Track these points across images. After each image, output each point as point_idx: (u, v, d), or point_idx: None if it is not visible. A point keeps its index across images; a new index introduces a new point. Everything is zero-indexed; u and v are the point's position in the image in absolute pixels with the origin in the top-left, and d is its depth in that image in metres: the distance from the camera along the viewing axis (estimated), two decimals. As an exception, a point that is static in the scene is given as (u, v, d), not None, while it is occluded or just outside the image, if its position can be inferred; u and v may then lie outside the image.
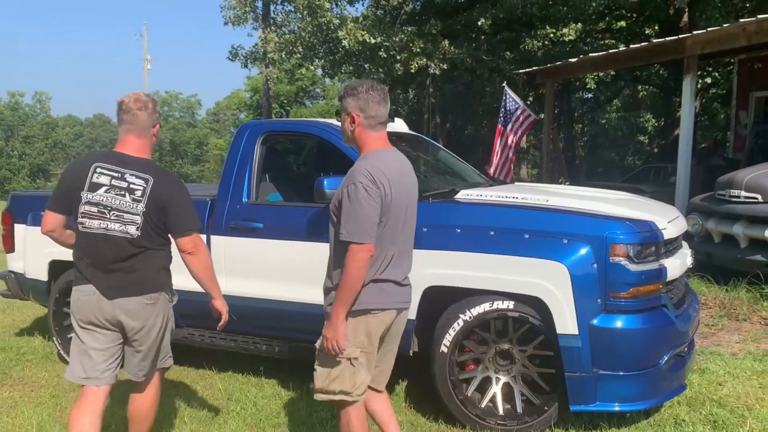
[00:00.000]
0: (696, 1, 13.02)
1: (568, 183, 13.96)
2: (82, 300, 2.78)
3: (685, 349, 3.65)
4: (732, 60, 13.21)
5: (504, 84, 10.37)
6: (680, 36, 8.65)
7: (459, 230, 3.50)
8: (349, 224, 2.43)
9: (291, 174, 5.56)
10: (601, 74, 17.81)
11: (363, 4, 25.76)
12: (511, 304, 3.36)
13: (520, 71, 12.30)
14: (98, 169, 2.77)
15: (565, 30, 14.32)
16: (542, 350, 3.39)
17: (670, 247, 3.67)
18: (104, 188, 2.76)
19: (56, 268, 4.64)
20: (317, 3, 14.22)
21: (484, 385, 3.54)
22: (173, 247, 2.91)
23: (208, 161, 52.46)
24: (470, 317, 3.41)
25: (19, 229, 4.91)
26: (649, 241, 3.35)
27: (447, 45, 14.20)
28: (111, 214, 2.75)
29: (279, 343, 4.09)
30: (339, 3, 16.25)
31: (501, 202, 3.80)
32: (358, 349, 2.58)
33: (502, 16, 13.85)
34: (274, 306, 4.02)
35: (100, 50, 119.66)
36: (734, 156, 11.70)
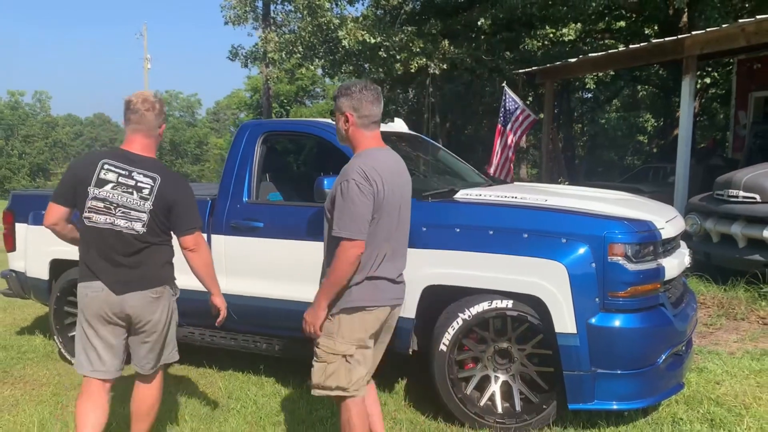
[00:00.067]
0: (695, 2, 13.04)
1: (567, 183, 13.99)
2: (90, 296, 2.83)
3: (683, 347, 3.67)
4: (731, 60, 13.23)
5: (503, 84, 10.39)
6: (679, 36, 8.67)
7: (458, 230, 3.52)
8: (341, 220, 2.49)
9: (291, 173, 5.57)
10: (600, 74, 17.86)
11: (363, 4, 25.83)
12: (509, 303, 3.38)
13: (520, 71, 12.32)
14: (106, 166, 2.83)
15: (564, 30, 14.36)
16: (541, 349, 3.41)
17: (668, 246, 3.69)
18: (111, 185, 2.81)
19: (57, 267, 4.66)
20: (317, 3, 14.24)
21: (483, 384, 3.56)
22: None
23: (207, 161, 52.48)
24: (469, 316, 3.43)
25: (20, 228, 4.92)
26: (647, 241, 3.37)
27: (447, 45, 14.22)
28: (117, 210, 2.81)
29: (279, 342, 4.11)
30: (339, 3, 16.27)
31: (500, 201, 3.82)
32: (353, 346, 2.63)
33: (502, 16, 13.87)
34: (274, 305, 4.04)
35: (100, 50, 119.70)
36: (733, 156, 11.71)
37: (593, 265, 3.24)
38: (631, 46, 10.05)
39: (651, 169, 13.80)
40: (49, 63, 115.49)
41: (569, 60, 11.24)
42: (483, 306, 3.42)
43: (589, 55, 10.95)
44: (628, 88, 25.89)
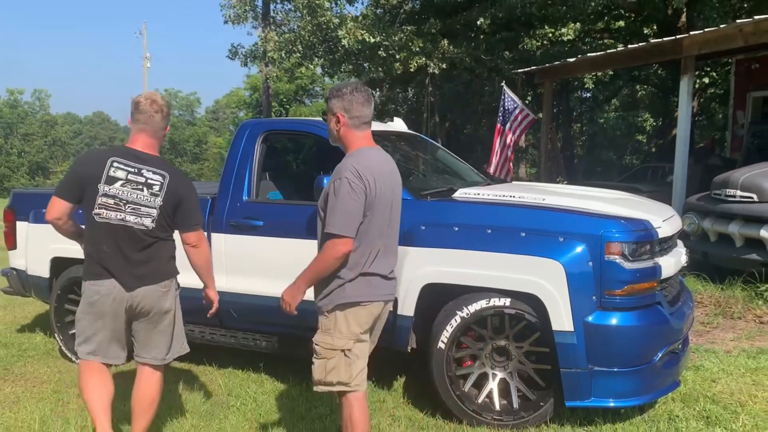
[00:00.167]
0: (694, 2, 13.06)
1: (566, 182, 14.01)
2: (102, 294, 2.91)
3: (680, 346, 3.70)
4: (729, 60, 13.25)
5: (503, 83, 10.42)
6: (678, 36, 8.68)
7: (457, 228, 3.54)
8: (333, 217, 2.56)
9: (291, 172, 5.60)
10: (599, 74, 17.88)
11: (362, 3, 25.82)
12: (507, 302, 3.40)
13: (519, 71, 12.34)
14: (115, 164, 2.90)
15: (563, 30, 14.37)
16: (538, 347, 3.44)
17: (665, 245, 3.72)
18: (120, 182, 2.88)
19: (58, 265, 4.68)
20: (317, 2, 14.25)
21: (480, 381, 3.58)
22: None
23: (207, 159, 52.48)
24: (467, 314, 3.46)
25: (21, 226, 4.94)
26: (644, 240, 3.40)
27: (446, 44, 14.24)
28: (126, 207, 2.89)
29: (279, 340, 4.13)
30: (338, 2, 16.27)
31: (498, 200, 3.85)
32: (351, 341, 2.69)
33: (501, 16, 13.89)
34: (274, 303, 4.03)
35: (100, 48, 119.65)
36: (732, 156, 11.73)
37: (590, 263, 3.26)
38: (629, 46, 10.07)
39: (649, 168, 13.83)
40: (48, 61, 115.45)
41: (568, 60, 11.26)
42: (481, 304, 3.44)
43: (588, 54, 10.97)
44: (627, 88, 25.92)
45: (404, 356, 3.83)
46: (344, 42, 13.51)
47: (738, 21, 7.93)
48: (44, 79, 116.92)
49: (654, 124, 27.80)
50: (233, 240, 4.14)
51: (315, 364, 2.74)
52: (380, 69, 14.83)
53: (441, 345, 3.52)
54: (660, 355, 3.39)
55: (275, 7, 19.63)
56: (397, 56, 13.72)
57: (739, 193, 6.33)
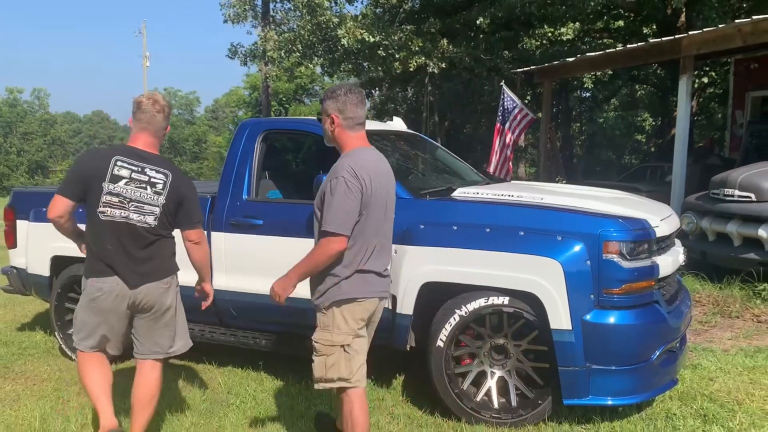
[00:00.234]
0: (693, 2, 13.08)
1: (565, 182, 14.02)
2: (105, 291, 2.95)
3: (677, 344, 3.72)
4: (728, 60, 13.27)
5: (502, 83, 10.43)
6: (676, 36, 8.70)
7: (455, 227, 3.56)
8: (329, 215, 2.62)
9: (290, 171, 5.61)
10: (598, 73, 17.89)
11: (362, 3, 25.76)
12: (506, 300, 3.42)
13: (518, 70, 12.35)
14: (119, 163, 2.94)
15: (563, 29, 14.38)
16: (536, 345, 3.45)
17: (663, 244, 3.73)
18: (124, 181, 2.93)
19: (58, 263, 4.69)
20: (316, 1, 14.25)
21: (479, 379, 3.60)
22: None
23: (206, 158, 52.47)
24: (466, 312, 3.48)
25: (22, 225, 4.95)
26: (642, 239, 3.42)
27: (446, 44, 14.24)
28: (130, 205, 2.93)
29: (279, 339, 4.15)
30: (338, 1, 16.29)
31: (497, 200, 3.87)
32: (350, 336, 2.74)
33: (501, 15, 13.90)
34: (274, 301, 4.07)
35: (99, 47, 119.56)
36: (731, 155, 11.75)
37: (588, 262, 3.28)
38: (628, 46, 10.09)
39: (648, 168, 13.84)
40: (47, 60, 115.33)
41: (567, 59, 11.26)
42: (480, 302, 3.46)
43: (588, 54, 10.98)
44: (626, 88, 25.93)
45: (403, 354, 3.85)
46: (344, 41, 13.51)
47: (737, 21, 7.95)
48: (43, 77, 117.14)
49: (653, 123, 27.82)
50: (233, 239, 4.15)
51: (315, 361, 2.78)
52: (380, 68, 14.84)
53: (440, 343, 3.53)
54: (657, 354, 3.41)
55: (275, 6, 19.64)
56: (397, 56, 13.73)
57: (737, 192, 6.35)
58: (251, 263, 4.11)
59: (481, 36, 15.27)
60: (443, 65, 14.23)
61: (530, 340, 3.47)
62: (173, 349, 3.19)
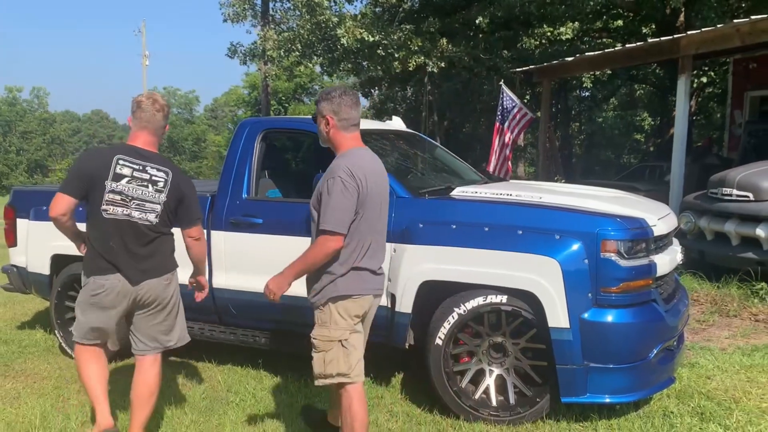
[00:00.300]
0: (692, 1, 13.10)
1: (563, 181, 14.04)
2: (107, 288, 2.98)
3: (674, 342, 3.74)
4: (727, 60, 13.29)
5: (501, 82, 10.45)
6: (675, 36, 8.71)
7: (454, 226, 3.58)
8: (326, 214, 2.66)
9: (290, 170, 5.62)
10: (597, 73, 17.89)
11: (361, 2, 25.76)
12: (504, 298, 3.44)
13: (518, 70, 12.36)
14: (120, 161, 2.98)
15: (562, 29, 14.39)
16: (534, 343, 3.47)
17: (661, 243, 3.75)
18: (126, 179, 2.96)
19: (58, 262, 4.70)
20: (316, 1, 14.24)
21: (477, 377, 3.62)
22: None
23: (205, 158, 52.49)
24: (464, 311, 3.49)
25: (22, 223, 4.97)
26: (640, 238, 3.43)
27: (445, 43, 14.25)
28: (132, 203, 2.97)
29: (278, 337, 4.17)
30: (337, 1, 16.28)
31: (495, 199, 3.88)
32: (347, 332, 2.79)
33: (500, 15, 13.91)
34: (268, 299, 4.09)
35: (99, 46, 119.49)
36: (729, 155, 11.77)
37: (586, 261, 3.30)
38: (627, 46, 10.10)
39: (647, 167, 13.85)
40: (47, 59, 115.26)
41: (566, 59, 11.27)
42: (478, 301, 3.47)
43: (587, 54, 11.00)
44: (625, 87, 25.94)
45: (402, 353, 3.87)
46: (343, 41, 13.51)
47: (735, 21, 7.96)
48: (43, 76, 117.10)
49: (652, 123, 27.84)
50: (233, 237, 4.17)
51: (314, 358, 2.83)
52: (379, 68, 14.85)
53: (438, 341, 3.55)
54: (655, 352, 3.42)
55: (274, 5, 19.68)
56: (396, 55, 13.74)
57: (735, 192, 6.37)
58: (251, 262, 4.13)
59: (480, 35, 15.28)
60: (442, 65, 14.24)
61: (528, 339, 3.49)
62: (171, 343, 3.24)
